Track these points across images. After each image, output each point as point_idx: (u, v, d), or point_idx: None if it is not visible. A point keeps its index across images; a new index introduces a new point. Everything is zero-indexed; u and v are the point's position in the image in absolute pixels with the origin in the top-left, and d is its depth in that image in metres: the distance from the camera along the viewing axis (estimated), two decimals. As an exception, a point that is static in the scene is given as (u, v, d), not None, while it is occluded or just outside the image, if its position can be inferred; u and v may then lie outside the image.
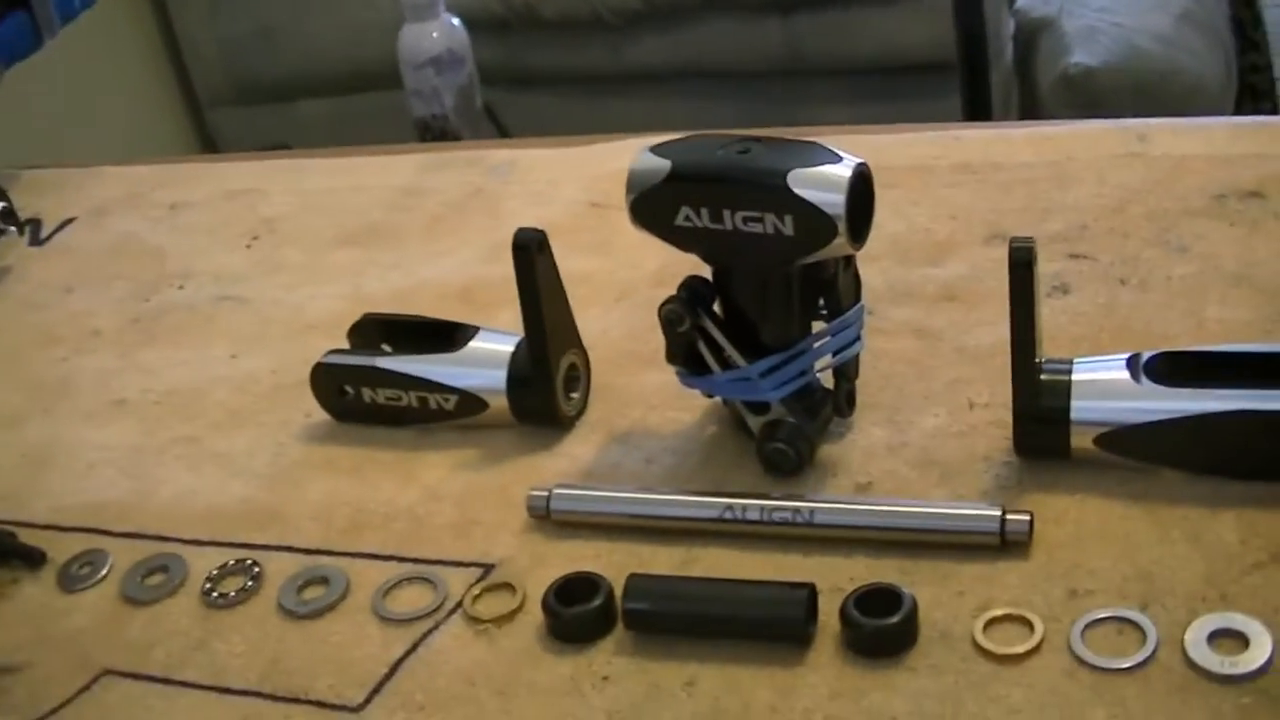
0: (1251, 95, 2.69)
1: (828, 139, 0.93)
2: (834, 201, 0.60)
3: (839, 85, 2.39)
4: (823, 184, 0.61)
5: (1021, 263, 0.60)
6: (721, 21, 2.39)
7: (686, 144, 0.66)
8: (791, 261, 0.64)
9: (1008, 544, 0.59)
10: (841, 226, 0.61)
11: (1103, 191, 0.85)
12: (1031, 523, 0.59)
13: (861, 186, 0.62)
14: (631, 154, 0.96)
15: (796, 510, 0.62)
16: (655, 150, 0.65)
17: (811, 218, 0.61)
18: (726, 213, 0.62)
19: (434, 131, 2.07)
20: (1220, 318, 0.72)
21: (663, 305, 0.66)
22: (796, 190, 0.61)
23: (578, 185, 0.97)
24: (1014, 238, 0.60)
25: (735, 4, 2.37)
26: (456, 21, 2.12)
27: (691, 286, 0.66)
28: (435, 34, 2.08)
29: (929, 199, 0.87)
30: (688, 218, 0.64)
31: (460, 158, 1.06)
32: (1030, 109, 2.33)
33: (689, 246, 0.66)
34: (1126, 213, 0.83)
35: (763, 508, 0.63)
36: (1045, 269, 0.75)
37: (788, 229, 0.61)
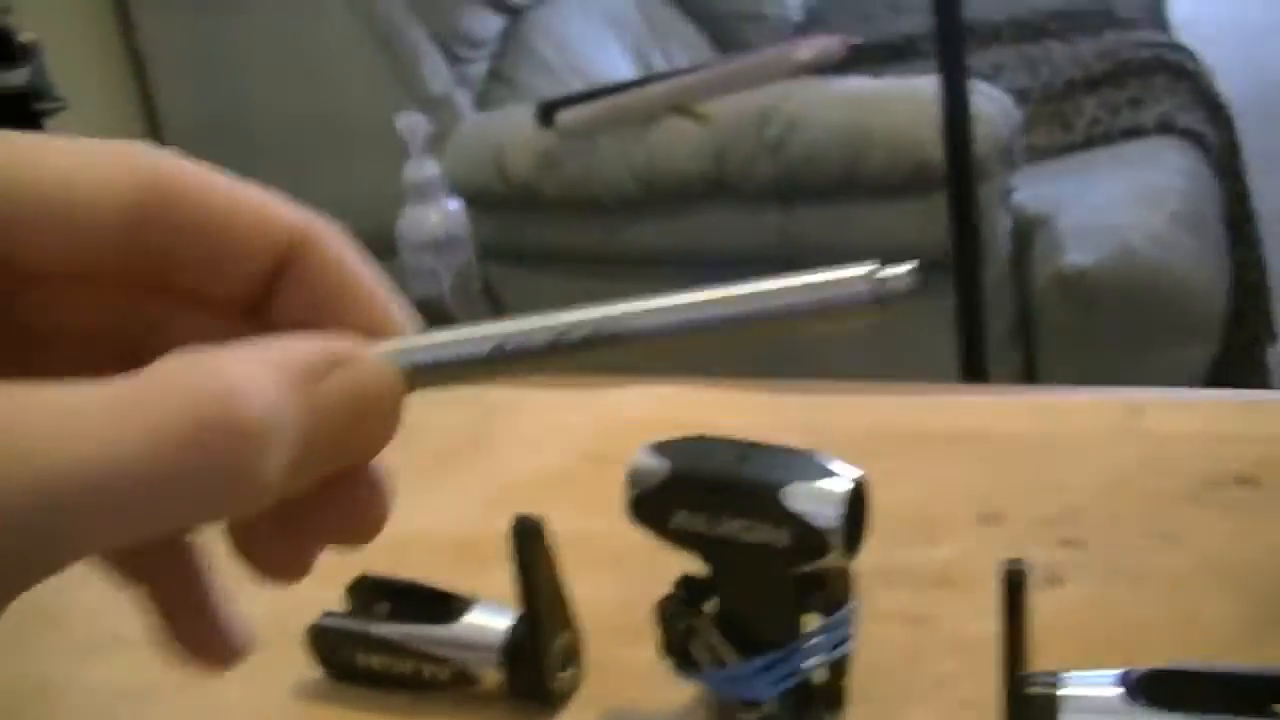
0: (1243, 289, 2.73)
1: (827, 397, 0.94)
2: (829, 517, 0.61)
3: (835, 277, 2.41)
4: (818, 499, 0.62)
5: (1014, 585, 0.60)
6: (720, 210, 2.42)
7: (686, 446, 0.66)
8: (785, 570, 0.64)
9: None
10: (835, 540, 0.61)
11: (1097, 471, 0.86)
12: None
13: (856, 501, 0.63)
14: (630, 405, 0.97)
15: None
16: (656, 449, 0.66)
17: (806, 532, 0.62)
18: (723, 519, 0.63)
19: (430, 312, 2.09)
20: (1212, 616, 0.73)
21: (659, 604, 0.66)
22: (791, 506, 0.62)
23: (576, 435, 0.98)
24: (1008, 560, 0.61)
25: (735, 194, 2.41)
26: (456, 205, 2.15)
27: (688, 585, 0.67)
28: (435, 217, 2.11)
29: (922, 472, 0.88)
30: (684, 521, 0.64)
31: (461, 395, 1.06)
32: (1025, 307, 2.36)
33: (685, 546, 0.66)
34: (1120, 496, 0.83)
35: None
36: (1037, 558, 0.76)
37: (782, 540, 0.62)
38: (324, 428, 0.35)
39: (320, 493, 0.38)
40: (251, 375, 0.33)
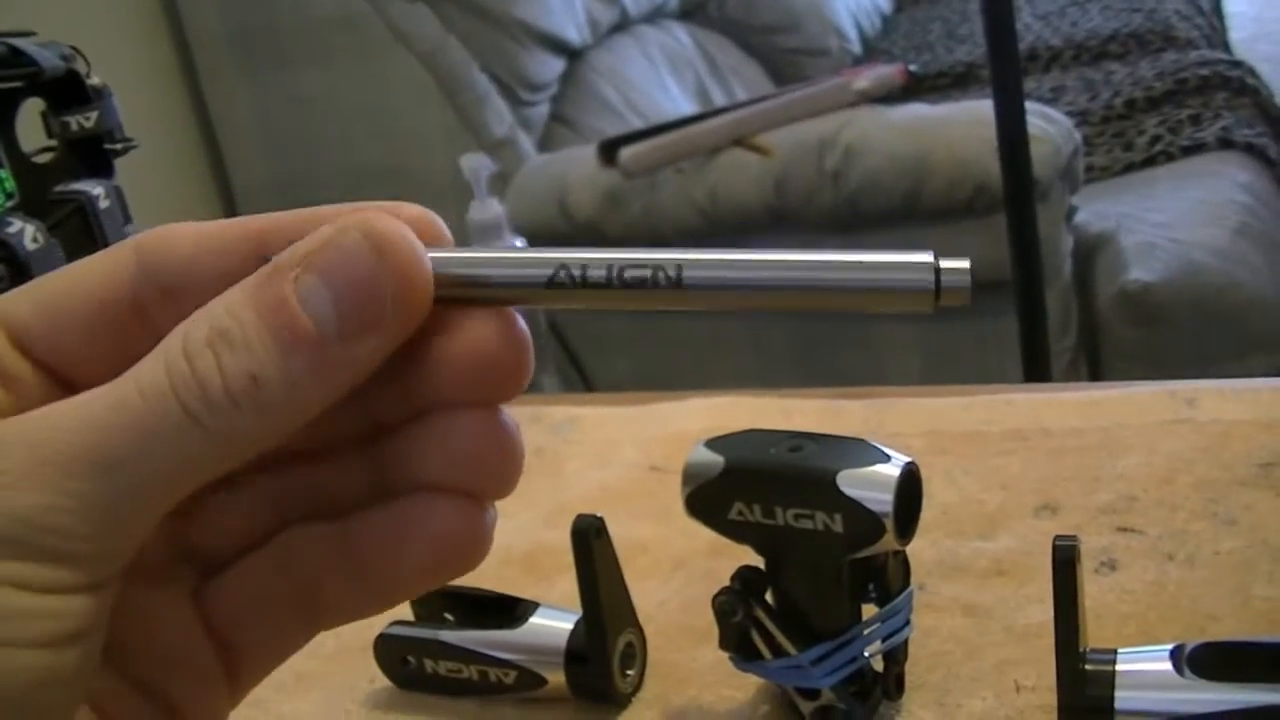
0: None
1: (887, 400, 0.95)
2: (882, 501, 0.62)
3: (900, 303, 2.42)
4: (871, 484, 0.63)
5: (1064, 561, 0.61)
6: (783, 240, 2.43)
7: (740, 440, 0.68)
8: (841, 556, 0.65)
9: None
10: (889, 524, 0.62)
11: (1152, 460, 0.86)
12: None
13: (909, 485, 0.64)
14: (690, 416, 0.98)
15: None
16: (710, 445, 0.67)
17: (860, 516, 0.63)
18: (778, 509, 0.64)
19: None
20: (1267, 595, 0.73)
21: (716, 596, 0.67)
22: (845, 490, 0.63)
23: (637, 447, 0.99)
24: (1058, 536, 0.62)
25: (796, 224, 2.41)
26: (521, 243, 2.17)
27: (744, 577, 0.68)
28: (501, 256, 2.13)
29: (981, 467, 0.89)
30: (740, 512, 0.66)
31: (523, 414, 1.08)
32: (1089, 325, 2.36)
33: (742, 539, 0.67)
34: (1175, 483, 0.84)
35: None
36: (1094, 544, 0.77)
37: (837, 526, 0.63)
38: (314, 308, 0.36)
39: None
40: (216, 306, 0.37)
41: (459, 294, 0.40)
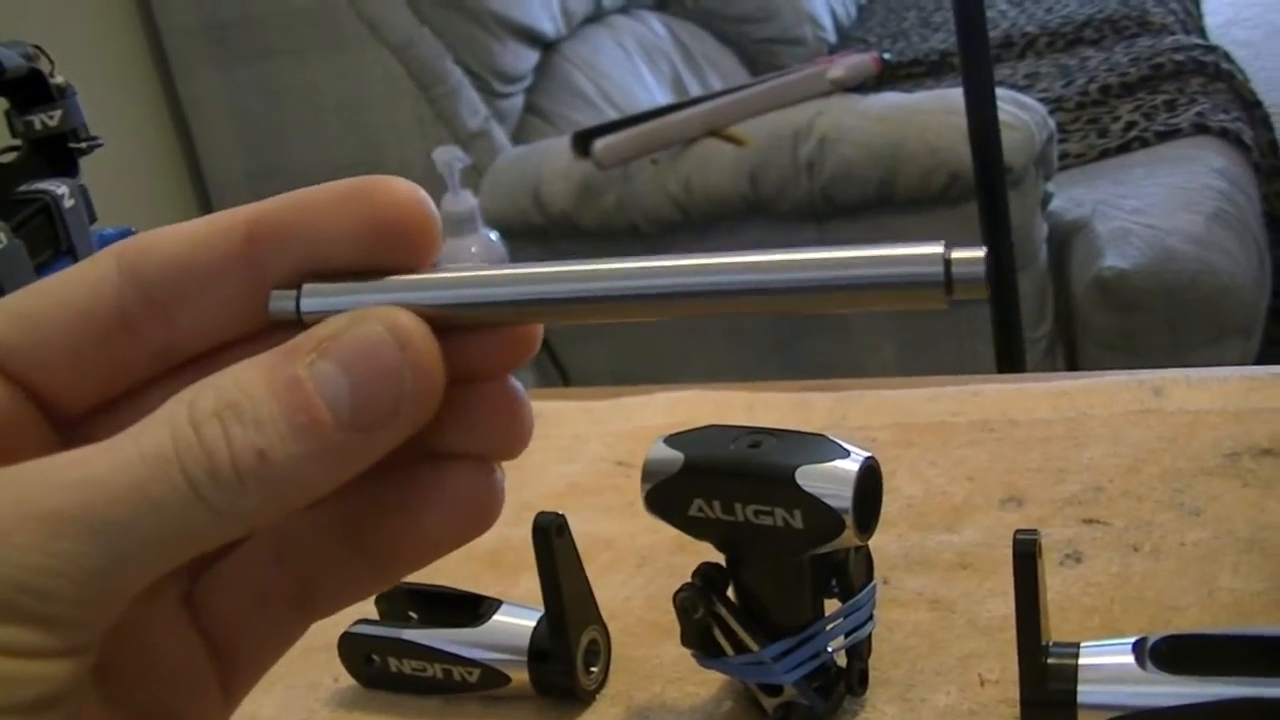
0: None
1: (853, 393, 0.95)
2: (841, 497, 0.62)
3: (873, 292, 2.42)
4: (830, 480, 0.62)
5: (1025, 554, 0.61)
6: (757, 230, 2.43)
7: (699, 436, 0.67)
8: (802, 552, 0.65)
9: None
10: (848, 520, 0.62)
11: (1118, 451, 0.86)
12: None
13: (869, 481, 0.64)
14: (655, 411, 0.98)
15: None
16: (669, 442, 0.67)
17: (819, 512, 0.62)
18: (738, 505, 0.64)
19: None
20: (1231, 587, 0.73)
21: (677, 593, 0.67)
22: (804, 486, 0.62)
23: (603, 443, 0.99)
24: (1019, 530, 0.61)
25: (771, 213, 2.41)
26: (495, 236, 2.16)
27: (705, 574, 0.68)
28: (474, 249, 2.12)
29: (947, 459, 0.88)
30: (700, 509, 0.65)
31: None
32: (1065, 312, 2.36)
33: (702, 535, 0.67)
34: (1141, 473, 0.84)
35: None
36: (1059, 536, 0.77)
37: (797, 522, 0.63)
38: (332, 393, 0.35)
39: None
40: (225, 379, 0.36)
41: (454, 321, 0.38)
